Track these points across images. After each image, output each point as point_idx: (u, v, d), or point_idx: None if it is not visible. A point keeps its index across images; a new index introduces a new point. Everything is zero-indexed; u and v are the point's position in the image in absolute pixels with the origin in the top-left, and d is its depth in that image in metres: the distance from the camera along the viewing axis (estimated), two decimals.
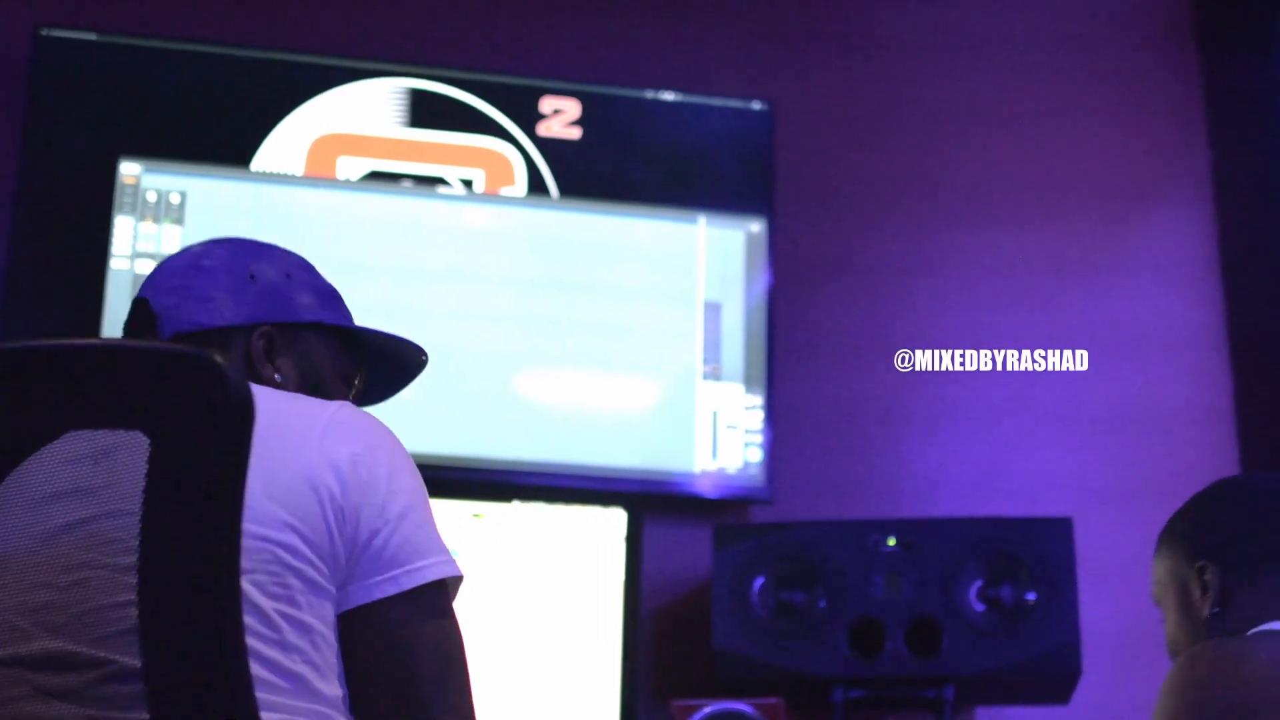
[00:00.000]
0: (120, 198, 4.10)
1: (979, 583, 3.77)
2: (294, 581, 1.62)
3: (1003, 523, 3.85)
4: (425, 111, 4.34)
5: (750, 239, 4.39)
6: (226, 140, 4.22)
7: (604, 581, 3.86)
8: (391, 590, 1.66)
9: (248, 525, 1.53)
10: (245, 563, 1.52)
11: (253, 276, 1.96)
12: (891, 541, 3.79)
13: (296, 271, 2.04)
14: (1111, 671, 4.24)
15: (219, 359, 1.45)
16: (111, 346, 1.54)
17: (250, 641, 1.52)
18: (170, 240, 4.09)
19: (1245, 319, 4.62)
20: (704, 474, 4.23)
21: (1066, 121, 4.80)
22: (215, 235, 4.05)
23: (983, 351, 4.54)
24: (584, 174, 4.38)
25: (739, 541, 3.84)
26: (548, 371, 4.20)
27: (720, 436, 4.25)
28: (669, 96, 4.46)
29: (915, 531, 3.81)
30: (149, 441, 1.41)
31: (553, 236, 4.32)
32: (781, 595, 3.79)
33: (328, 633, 1.65)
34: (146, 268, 4.05)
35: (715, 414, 4.26)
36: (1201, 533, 2.28)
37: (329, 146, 4.26)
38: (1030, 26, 4.88)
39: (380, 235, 4.22)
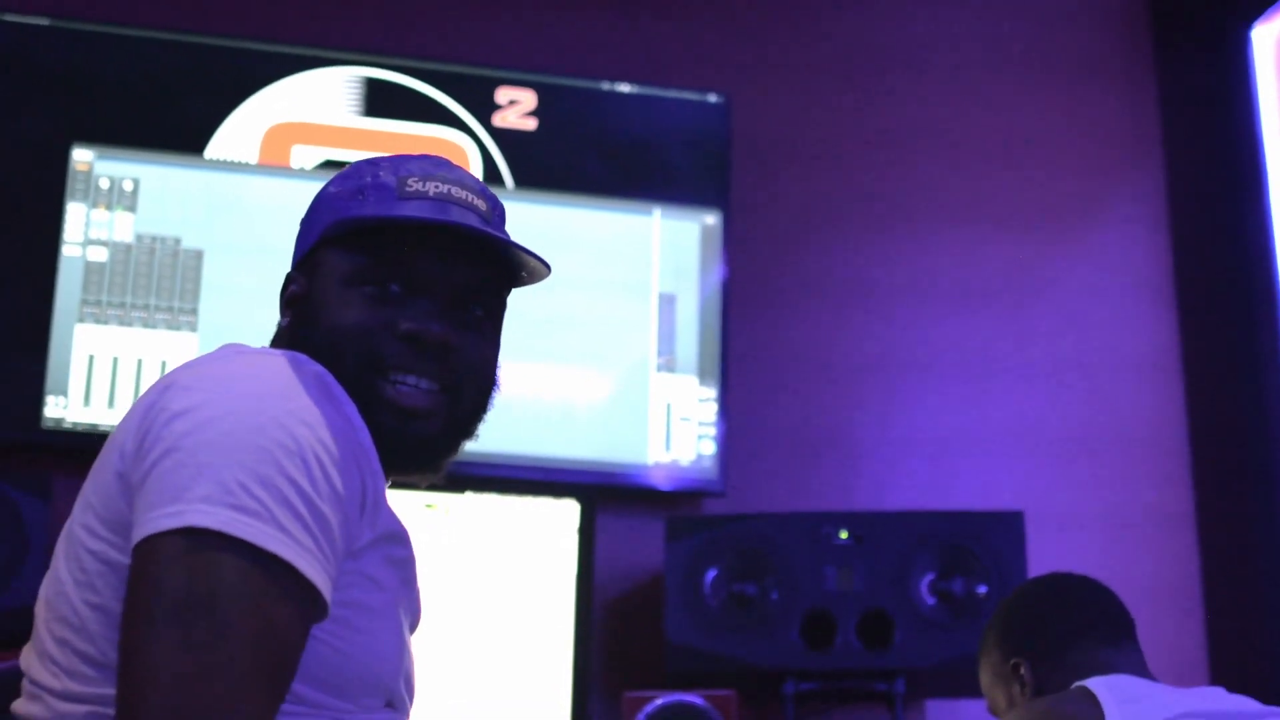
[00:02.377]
0: (73, 184, 4.08)
1: (930, 576, 3.78)
2: (90, 565, 1.50)
3: (954, 516, 3.86)
4: (380, 101, 4.33)
5: (705, 231, 4.39)
6: (180, 128, 4.20)
7: (556, 573, 3.85)
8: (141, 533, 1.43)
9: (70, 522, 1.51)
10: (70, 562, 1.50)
11: (314, 207, 1.84)
12: (844, 534, 3.80)
13: (350, 179, 1.82)
14: None
15: None
16: None
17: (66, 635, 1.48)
18: (123, 227, 4.06)
19: (1198, 328, 4.64)
20: (657, 466, 4.23)
21: (1021, 126, 4.82)
22: (167, 223, 4.06)
23: (936, 348, 4.57)
24: (539, 165, 4.38)
25: (691, 534, 3.84)
26: (501, 362, 4.17)
27: (673, 429, 4.25)
28: (625, 88, 4.46)
29: (867, 524, 3.82)
30: None
31: (507, 227, 4.30)
32: (734, 587, 3.79)
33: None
34: (99, 255, 4.03)
35: (669, 406, 4.26)
36: (1010, 634, 2.53)
37: (283, 135, 4.24)
38: (985, 33, 4.89)
39: None
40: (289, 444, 1.45)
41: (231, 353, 1.60)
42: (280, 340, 1.78)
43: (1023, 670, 2.47)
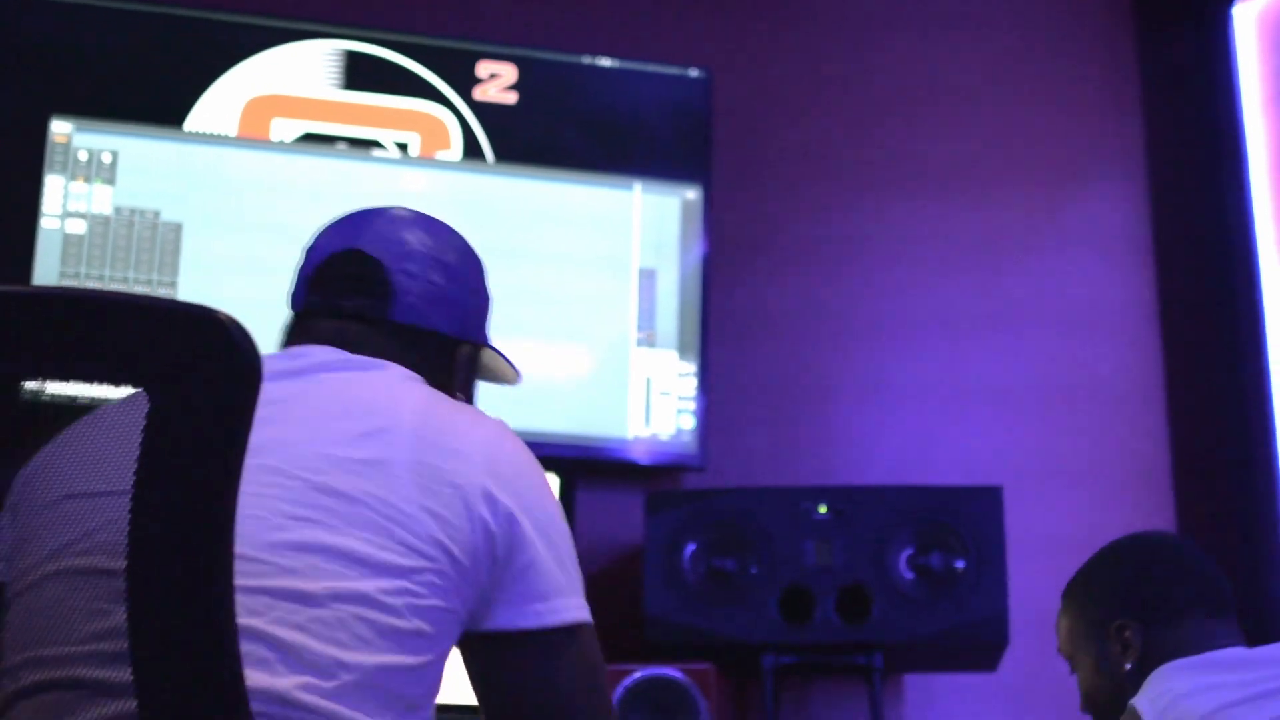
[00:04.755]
0: (51, 156, 4.06)
1: (909, 551, 3.79)
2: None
3: (933, 491, 3.87)
4: (361, 74, 4.31)
5: (686, 206, 4.39)
6: (160, 100, 4.18)
7: None
8: (538, 622, 1.72)
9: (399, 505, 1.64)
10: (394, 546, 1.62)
11: (475, 291, 1.99)
12: (823, 509, 3.80)
13: (482, 287, 2.04)
14: (1039, 640, 4.27)
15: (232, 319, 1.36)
16: (114, 298, 1.44)
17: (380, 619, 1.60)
18: (101, 200, 4.05)
19: (1176, 294, 4.66)
20: (637, 440, 4.23)
21: (1002, 96, 4.82)
22: (146, 195, 4.04)
23: (916, 321, 4.58)
24: (520, 139, 4.37)
25: (671, 508, 3.84)
26: None
27: (653, 403, 4.25)
28: (606, 63, 4.45)
29: (846, 499, 3.83)
30: (148, 399, 1.34)
31: (488, 201, 4.31)
32: (713, 562, 3.80)
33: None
34: (77, 227, 4.02)
35: (649, 381, 4.26)
36: (1115, 593, 2.42)
37: (263, 107, 4.23)
38: (968, 4, 4.89)
39: (314, 198, 4.19)
40: None
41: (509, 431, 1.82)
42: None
43: (1128, 634, 2.36)
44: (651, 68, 4.48)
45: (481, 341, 2.01)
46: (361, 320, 1.88)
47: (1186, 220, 4.66)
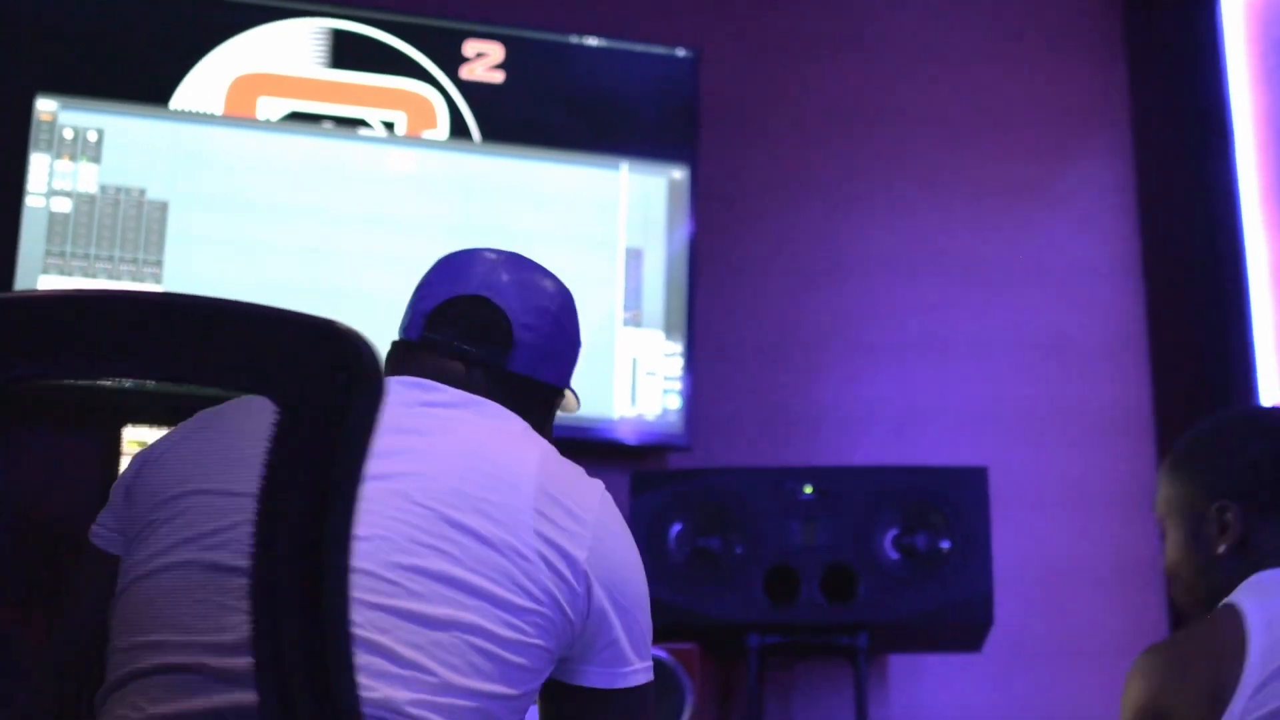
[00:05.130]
0: (36, 134, 4.05)
1: (894, 531, 3.80)
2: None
3: (918, 471, 3.88)
4: (347, 52, 4.30)
5: (672, 186, 4.39)
6: (145, 78, 4.17)
7: None
8: (620, 684, 1.88)
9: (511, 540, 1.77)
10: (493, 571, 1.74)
11: (574, 343, 2.13)
12: (808, 489, 3.81)
13: (577, 336, 2.16)
14: (1021, 613, 4.30)
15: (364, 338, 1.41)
16: (247, 309, 1.47)
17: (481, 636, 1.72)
18: (87, 178, 4.04)
19: (1160, 256, 4.67)
20: (623, 420, 4.24)
21: (990, 62, 4.83)
22: (132, 173, 4.03)
23: (903, 294, 4.58)
24: (507, 118, 4.36)
25: (656, 488, 3.85)
26: None
27: (639, 383, 4.26)
28: (593, 42, 4.45)
29: (832, 479, 3.83)
30: (275, 408, 1.38)
31: (474, 181, 4.31)
32: (698, 542, 3.80)
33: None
34: (63, 205, 4.00)
35: (635, 361, 4.26)
36: (1224, 470, 2.25)
37: (249, 86, 4.22)
38: (958, 1, 4.90)
39: (300, 177, 4.19)
40: None
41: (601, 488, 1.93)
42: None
43: (1229, 515, 2.21)
44: (639, 47, 4.47)
45: (569, 385, 2.14)
46: (482, 366, 2.00)
47: (1170, 179, 4.68)
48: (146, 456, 1.84)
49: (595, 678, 1.87)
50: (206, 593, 1.65)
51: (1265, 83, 4.39)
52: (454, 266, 2.09)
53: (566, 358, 2.10)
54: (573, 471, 1.92)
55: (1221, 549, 2.21)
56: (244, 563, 1.39)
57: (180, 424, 1.88)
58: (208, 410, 1.87)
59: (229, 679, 1.59)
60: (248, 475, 1.39)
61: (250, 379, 1.42)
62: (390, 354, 2.05)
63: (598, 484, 1.93)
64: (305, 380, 1.38)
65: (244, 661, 1.42)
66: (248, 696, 1.45)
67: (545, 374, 2.05)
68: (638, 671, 1.90)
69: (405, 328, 2.06)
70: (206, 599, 1.65)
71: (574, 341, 2.13)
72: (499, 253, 2.10)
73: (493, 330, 2.01)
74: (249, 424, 1.59)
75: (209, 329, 1.42)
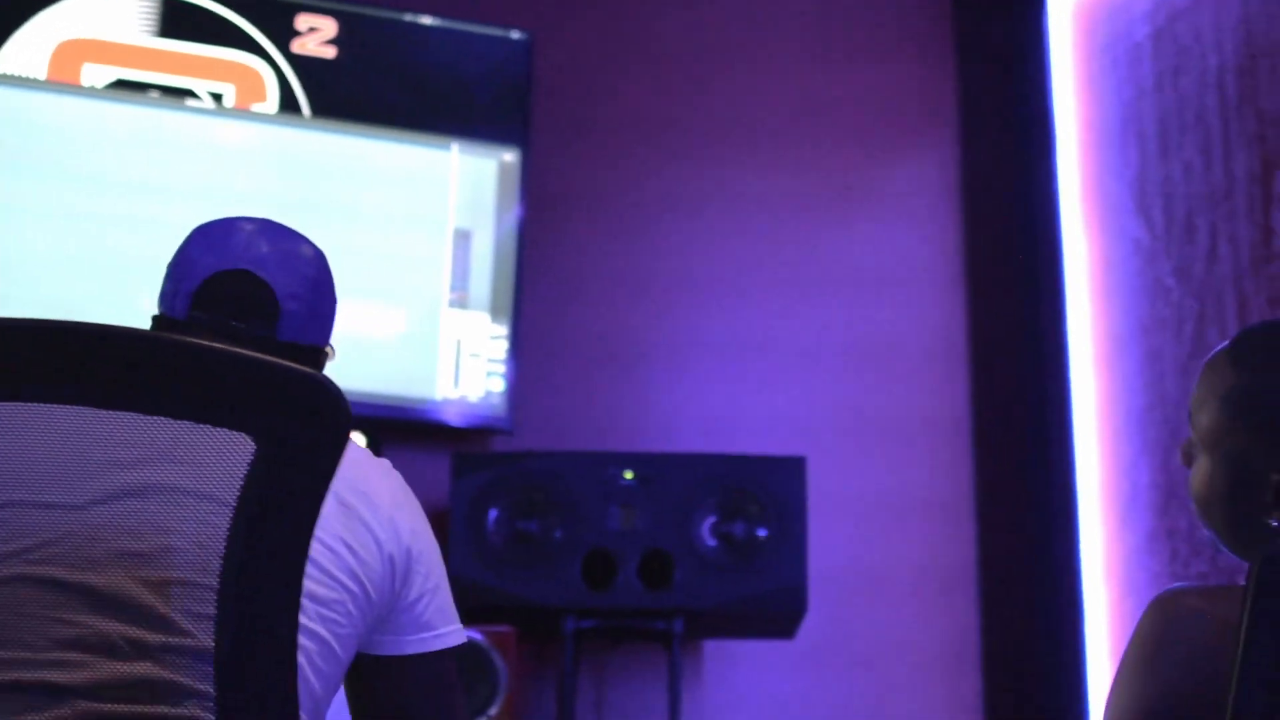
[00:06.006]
0: None
1: (712, 518, 3.83)
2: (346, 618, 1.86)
3: (738, 460, 3.92)
4: (176, 21, 4.24)
5: (503, 168, 4.39)
6: None
7: None
8: (420, 649, 1.95)
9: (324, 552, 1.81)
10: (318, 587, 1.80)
11: (332, 300, 2.15)
12: (629, 475, 3.83)
13: (333, 292, 2.20)
14: (836, 607, 4.36)
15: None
16: (233, 356, 1.63)
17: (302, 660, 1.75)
18: None
19: (983, 259, 4.76)
20: (446, 402, 4.23)
21: (821, 64, 4.87)
22: None
23: (730, 287, 4.62)
24: (338, 94, 4.33)
25: (477, 470, 3.85)
26: None
27: (463, 365, 4.25)
28: (427, 20, 4.43)
29: (652, 465, 3.86)
30: (254, 446, 1.54)
31: (303, 156, 4.27)
32: (517, 525, 3.81)
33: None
34: None
35: (459, 342, 4.26)
36: None
37: (74, 52, 4.14)
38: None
39: (126, 147, 4.12)
40: None
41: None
42: None
43: None
44: (473, 28, 4.46)
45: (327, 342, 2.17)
46: (252, 340, 2.00)
47: (994, 183, 4.76)
48: None
49: (399, 644, 1.93)
50: (42, 607, 1.63)
51: (1089, 87, 4.48)
52: (212, 239, 2.12)
53: (328, 317, 2.13)
54: (365, 454, 1.98)
55: (1275, 524, 1.77)
56: (79, 579, 1.54)
57: None
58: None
59: (67, 692, 1.59)
60: (71, 487, 1.54)
61: (233, 417, 1.55)
62: (155, 330, 2.05)
63: (389, 467, 2.00)
64: (284, 421, 1.55)
65: (82, 676, 1.54)
66: (85, 706, 1.55)
67: (312, 337, 2.07)
68: (443, 635, 1.97)
69: (169, 305, 2.05)
70: (43, 614, 1.63)
71: (333, 300, 2.15)
72: (254, 221, 2.14)
73: (259, 304, 2.03)
74: (58, 431, 1.60)
75: (198, 369, 1.57)
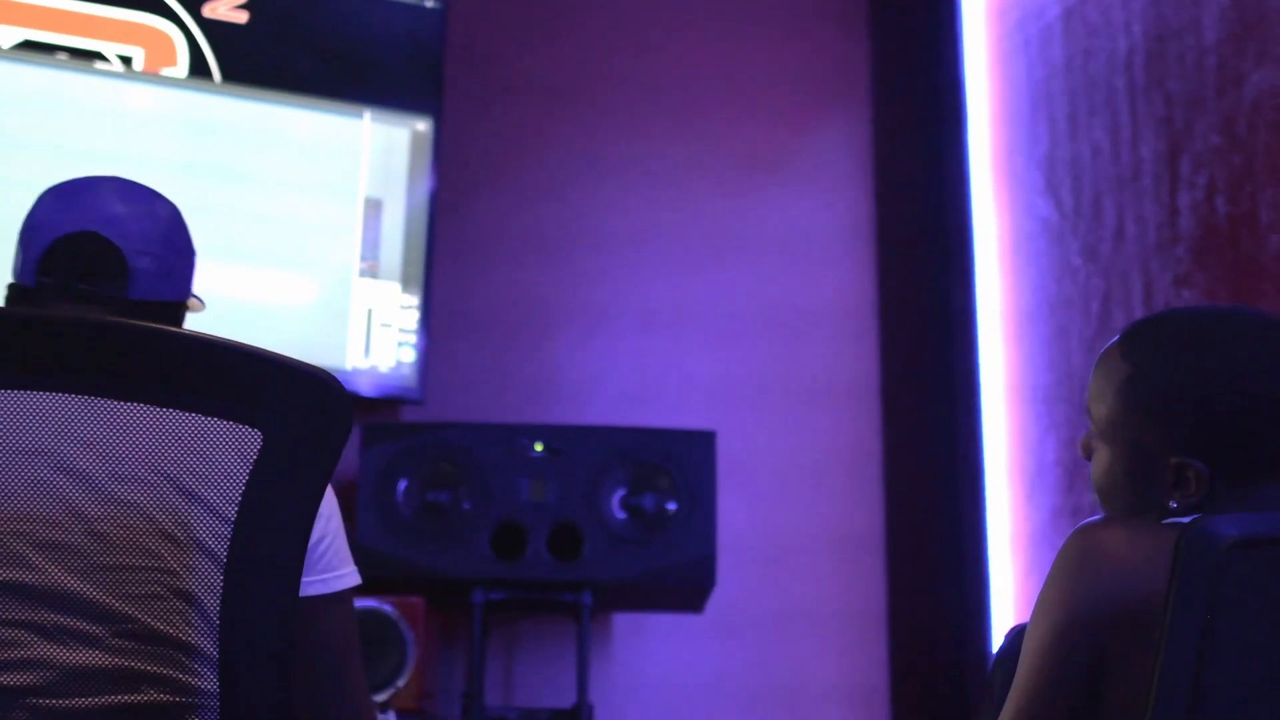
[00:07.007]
0: None
1: (622, 491, 3.84)
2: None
3: (648, 433, 3.93)
4: None
5: (415, 137, 4.36)
6: None
7: None
8: (323, 590, 1.97)
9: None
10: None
11: (188, 254, 2.15)
12: (539, 447, 3.83)
13: (190, 246, 2.18)
14: (745, 575, 4.38)
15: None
16: (249, 351, 1.66)
17: None
18: None
19: (894, 228, 4.80)
20: (355, 371, 4.21)
21: (734, 35, 4.89)
22: None
23: (642, 257, 4.63)
24: (249, 60, 4.29)
25: (387, 441, 3.84)
26: (200, 261, 4.10)
27: (374, 334, 4.23)
28: None
29: (563, 438, 3.86)
30: (261, 440, 1.61)
31: (213, 122, 4.23)
32: (427, 496, 3.80)
33: None
34: None
35: (370, 312, 4.24)
36: (1189, 424, 1.79)
37: None
38: None
39: (31, 109, 4.06)
40: None
41: None
42: None
43: (1190, 474, 1.77)
44: None
45: (191, 294, 2.16)
46: (101, 302, 1.99)
47: (906, 153, 4.80)
48: None
49: (308, 587, 1.94)
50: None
51: (1000, 66, 4.52)
52: (60, 201, 2.11)
53: (184, 272, 2.12)
54: None
55: (1174, 505, 1.79)
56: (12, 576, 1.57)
57: None
58: None
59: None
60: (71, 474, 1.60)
61: (241, 411, 1.61)
62: (8, 299, 2.03)
63: None
64: (291, 416, 1.62)
65: (28, 676, 1.57)
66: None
67: (166, 293, 2.06)
68: (343, 576, 2.00)
69: (19, 271, 2.03)
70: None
71: (188, 254, 2.15)
72: (104, 180, 2.13)
73: (106, 264, 2.01)
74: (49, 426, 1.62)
75: (208, 362, 1.63)
